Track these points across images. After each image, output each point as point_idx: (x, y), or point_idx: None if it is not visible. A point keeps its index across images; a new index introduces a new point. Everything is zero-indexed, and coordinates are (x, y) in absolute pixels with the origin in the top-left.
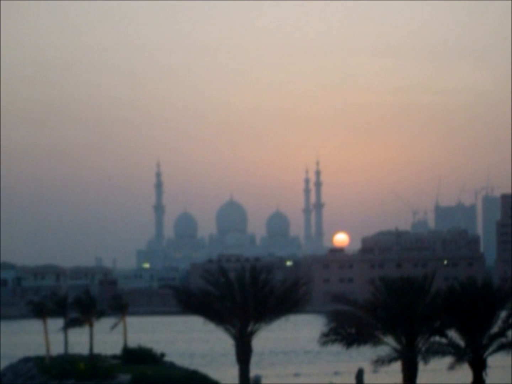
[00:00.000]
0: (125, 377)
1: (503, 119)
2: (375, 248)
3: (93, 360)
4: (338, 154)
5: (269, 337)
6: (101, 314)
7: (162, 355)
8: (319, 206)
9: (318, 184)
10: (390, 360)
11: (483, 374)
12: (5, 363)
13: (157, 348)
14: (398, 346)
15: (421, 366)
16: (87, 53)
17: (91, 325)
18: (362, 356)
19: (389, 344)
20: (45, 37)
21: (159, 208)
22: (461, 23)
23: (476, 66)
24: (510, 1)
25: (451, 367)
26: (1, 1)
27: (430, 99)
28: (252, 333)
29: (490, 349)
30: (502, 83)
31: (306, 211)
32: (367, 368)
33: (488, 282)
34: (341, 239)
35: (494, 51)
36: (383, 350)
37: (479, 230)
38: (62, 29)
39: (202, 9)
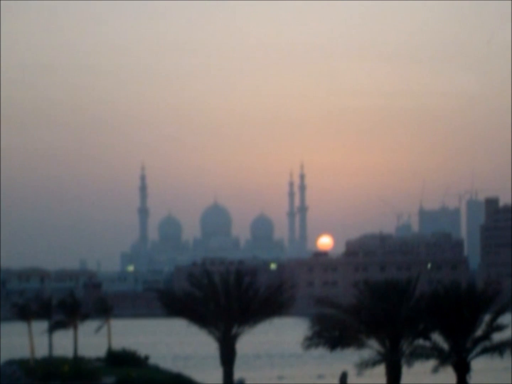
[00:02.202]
0: (109, 379)
1: (488, 123)
2: (359, 252)
3: (78, 363)
4: (323, 157)
5: (253, 340)
6: (85, 316)
7: (146, 357)
8: (303, 209)
9: (302, 187)
10: (374, 363)
11: (467, 377)
12: None
13: (141, 351)
14: (382, 349)
15: (405, 369)
16: (71, 56)
17: (75, 328)
18: (346, 359)
19: (373, 347)
20: (28, 40)
21: (143, 211)
22: (446, 27)
23: (460, 70)
24: (494, 5)
25: (435, 370)
26: None
27: (414, 103)
28: (236, 336)
29: (474, 352)
30: (487, 87)
31: (290, 214)
32: (351, 371)
33: (472, 286)
34: (325, 242)
35: (478, 55)
36: (367, 353)
37: (463, 233)
38: (45, 32)
39: (186, 12)
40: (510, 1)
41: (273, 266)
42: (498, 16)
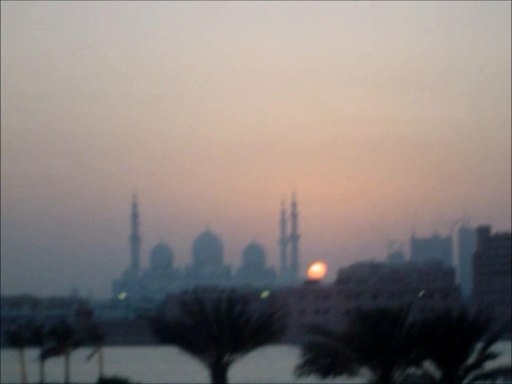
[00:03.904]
0: None
1: (480, 152)
2: (351, 280)
3: None
4: (315, 185)
5: (244, 368)
6: (77, 344)
7: None
8: (295, 237)
9: (294, 215)
10: None
11: None
12: None
13: (133, 379)
14: (374, 377)
15: None
16: (63, 83)
17: (67, 355)
18: None
19: (365, 375)
20: (20, 66)
21: (135, 239)
22: (439, 55)
23: (453, 98)
24: (488, 33)
25: None
26: None
27: (407, 131)
28: (227, 364)
29: (466, 381)
30: (480, 115)
31: (282, 242)
32: None
33: (463, 314)
34: (317, 270)
35: (471, 83)
36: (359, 381)
37: (455, 262)
38: (37, 58)
39: (177, 38)
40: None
41: (264, 294)
42: (491, 44)
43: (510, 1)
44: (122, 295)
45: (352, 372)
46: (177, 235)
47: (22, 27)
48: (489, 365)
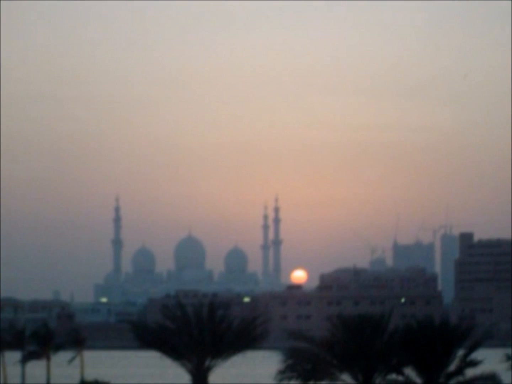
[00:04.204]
0: None
1: (462, 158)
2: (333, 286)
3: None
4: (297, 190)
5: (226, 373)
6: (58, 347)
7: None
8: (277, 242)
9: (276, 220)
10: None
11: None
12: None
13: (114, 383)
14: (355, 383)
15: None
16: (44, 87)
17: (48, 359)
18: None
19: (346, 381)
20: (4, 70)
21: (117, 243)
22: (423, 61)
23: (436, 105)
24: (471, 40)
25: None
26: None
27: (389, 137)
28: (209, 369)
29: None
30: (462, 121)
31: (265, 247)
32: None
33: (445, 321)
34: (299, 276)
35: (454, 89)
36: None
37: (437, 268)
38: (21, 62)
39: (159, 41)
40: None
41: (246, 299)
42: (475, 50)
43: (497, 8)
44: (104, 299)
45: (333, 378)
46: (159, 239)
47: (22, 29)
48: (471, 372)
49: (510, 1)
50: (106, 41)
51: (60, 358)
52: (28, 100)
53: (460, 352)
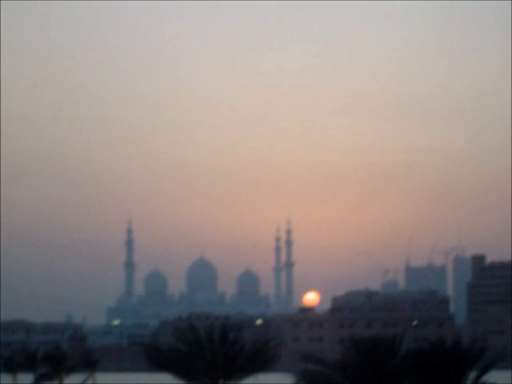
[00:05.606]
0: None
1: (474, 179)
2: (345, 308)
3: None
4: (309, 213)
5: None
6: (71, 369)
7: None
8: (289, 265)
9: (289, 242)
10: None
11: None
12: None
13: None
14: None
15: None
16: (59, 108)
17: (60, 381)
18: None
19: None
20: (12, 92)
21: (129, 265)
22: (436, 82)
23: (450, 127)
24: (485, 60)
25: None
26: None
27: (401, 158)
28: None
29: None
30: (473, 142)
31: (277, 269)
32: None
33: (457, 343)
34: (311, 298)
35: (464, 110)
36: None
37: (449, 290)
38: (37, 82)
39: (170, 64)
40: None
41: (258, 321)
42: (488, 71)
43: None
44: (116, 321)
45: None
46: (171, 261)
47: (39, 55)
48: None
49: None
50: (122, 62)
51: (73, 380)
52: (43, 120)
53: (472, 374)
